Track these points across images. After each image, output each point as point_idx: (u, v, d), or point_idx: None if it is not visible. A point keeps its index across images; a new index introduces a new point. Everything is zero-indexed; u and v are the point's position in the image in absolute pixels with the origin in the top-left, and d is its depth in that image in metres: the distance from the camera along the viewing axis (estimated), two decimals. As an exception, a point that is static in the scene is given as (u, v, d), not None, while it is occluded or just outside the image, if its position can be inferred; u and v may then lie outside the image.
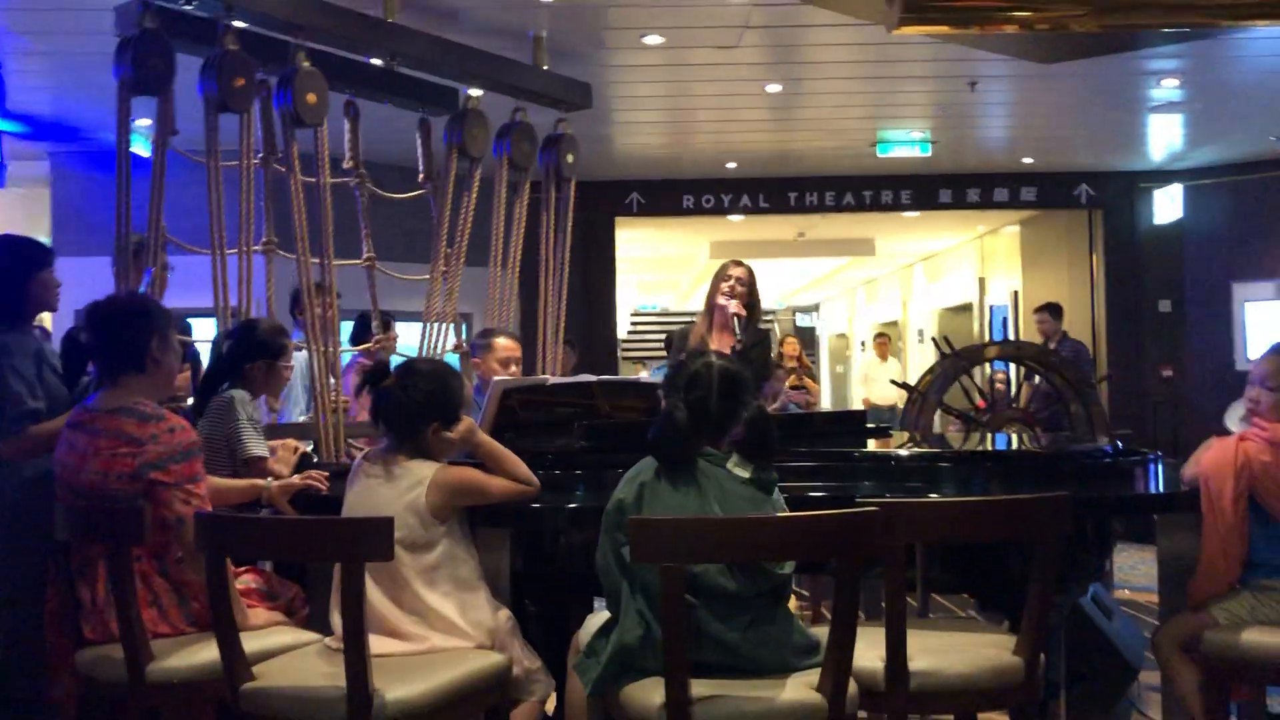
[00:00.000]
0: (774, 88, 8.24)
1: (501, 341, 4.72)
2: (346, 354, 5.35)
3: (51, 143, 8.98)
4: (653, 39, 6.95)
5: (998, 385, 9.24)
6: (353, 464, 2.89)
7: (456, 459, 2.88)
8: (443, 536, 2.72)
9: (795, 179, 11.35)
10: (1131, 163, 11.12)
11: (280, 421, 4.82)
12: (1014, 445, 4.69)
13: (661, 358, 8.68)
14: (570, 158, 5.88)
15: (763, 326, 4.90)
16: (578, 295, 7.51)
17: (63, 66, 7.28)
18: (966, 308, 15.22)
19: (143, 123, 5.07)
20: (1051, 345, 8.72)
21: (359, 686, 2.32)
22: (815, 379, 10.02)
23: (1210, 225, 11.10)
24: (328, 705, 2.35)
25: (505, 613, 2.79)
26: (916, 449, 4.04)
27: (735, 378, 2.57)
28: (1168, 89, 8.33)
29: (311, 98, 4.29)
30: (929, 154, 9.96)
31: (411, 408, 2.78)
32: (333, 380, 4.33)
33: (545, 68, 6.24)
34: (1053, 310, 9.39)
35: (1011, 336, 12.61)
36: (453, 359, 5.20)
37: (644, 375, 9.98)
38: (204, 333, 4.94)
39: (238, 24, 4.19)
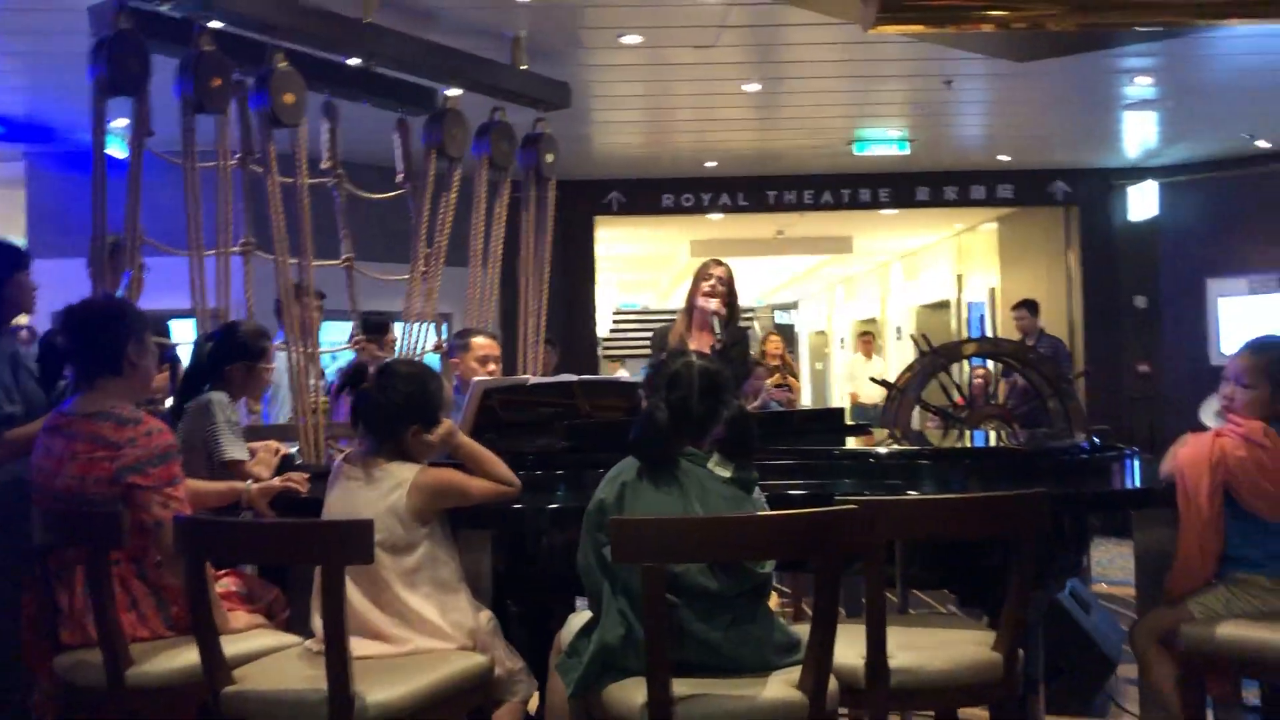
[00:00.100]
0: (752, 87, 8.26)
1: (479, 340, 4.71)
2: (342, 355, 5.33)
3: (27, 143, 8.91)
4: (631, 38, 6.95)
5: (977, 382, 9.29)
6: (332, 466, 2.88)
7: (437, 460, 2.88)
8: (423, 538, 2.71)
9: (774, 177, 11.38)
10: (1107, 160, 11.20)
11: (267, 423, 4.81)
12: (992, 442, 4.72)
13: (645, 356, 8.69)
14: (549, 157, 5.89)
15: (741, 325, 4.91)
16: (558, 294, 7.50)
17: (38, 67, 7.23)
18: (944, 305, 15.29)
19: (120, 123, 5.04)
20: (1029, 342, 8.77)
21: (340, 689, 2.31)
22: (797, 377, 10.06)
23: (1185, 222, 11.19)
24: (309, 708, 2.35)
25: (487, 614, 2.78)
26: (895, 446, 4.06)
27: (716, 377, 2.58)
28: (1142, 87, 8.39)
29: (289, 98, 4.28)
30: (907, 152, 10.01)
31: (391, 410, 2.78)
32: (314, 381, 4.31)
33: (524, 68, 6.24)
34: (1030, 307, 9.45)
35: (989, 333, 12.69)
36: (433, 359, 5.20)
37: (621, 374, 9.99)
38: (182, 334, 4.91)
39: (214, 24, 4.17)
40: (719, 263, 4.79)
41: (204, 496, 3.08)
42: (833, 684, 2.38)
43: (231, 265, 4.34)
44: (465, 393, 3.90)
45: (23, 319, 4.58)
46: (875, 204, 11.65)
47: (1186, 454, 3.06)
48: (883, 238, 15.22)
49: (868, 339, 13.40)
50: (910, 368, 7.75)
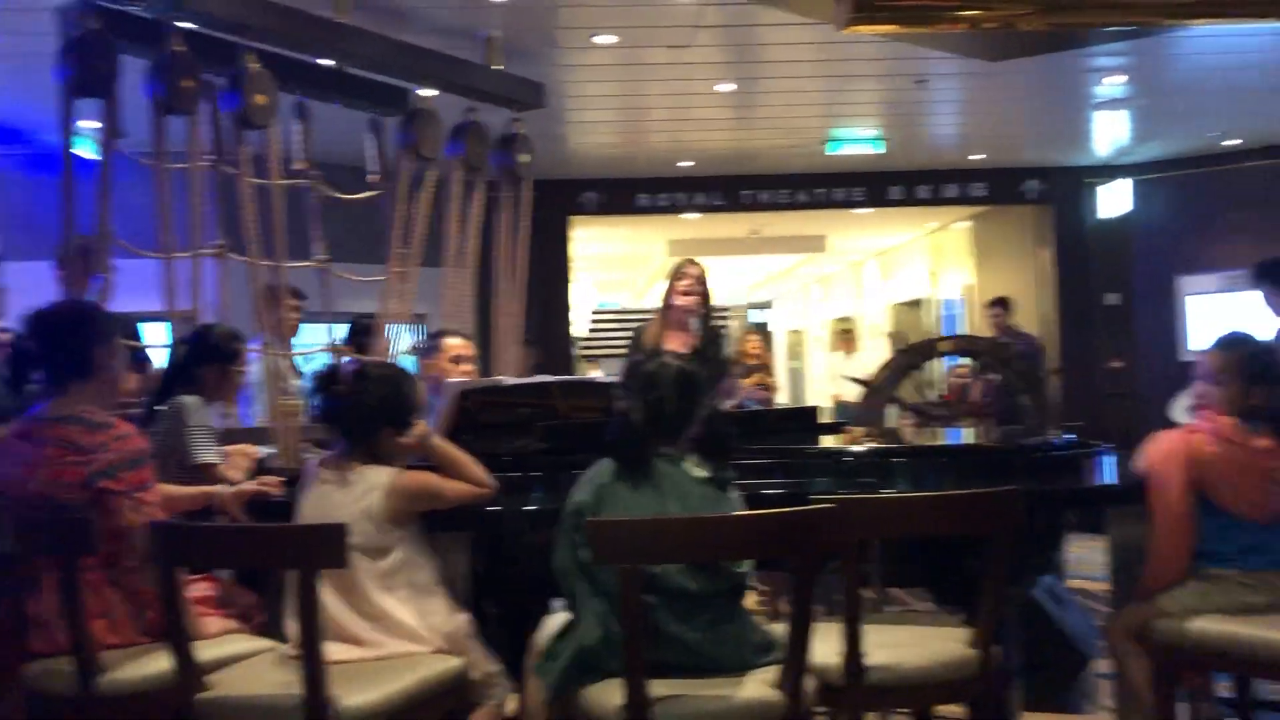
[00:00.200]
0: (727, 87, 8.26)
1: (452, 341, 4.68)
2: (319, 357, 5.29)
3: (-6, 145, 8.81)
4: (605, 38, 6.94)
5: (958, 379, 9.32)
6: (305, 469, 2.87)
7: (411, 463, 2.87)
8: (399, 542, 2.70)
9: (749, 177, 11.39)
10: (1079, 158, 11.28)
11: (248, 425, 4.77)
12: (966, 439, 4.74)
13: (624, 356, 8.69)
14: (524, 157, 5.88)
15: (717, 324, 4.91)
16: (534, 295, 7.49)
17: (4, 67, 7.15)
18: (919, 303, 15.37)
19: (90, 124, 4.99)
20: (1004, 339, 8.82)
21: (315, 694, 2.30)
22: (774, 375, 10.09)
23: (1156, 219, 11.28)
24: (283, 714, 2.33)
25: (463, 616, 2.77)
26: (870, 444, 4.08)
27: (691, 378, 2.58)
28: (1113, 85, 8.46)
29: (261, 99, 4.25)
30: (881, 151, 10.04)
31: (364, 412, 2.76)
32: (292, 383, 4.29)
33: (498, 68, 6.22)
34: (1005, 304, 9.51)
35: (964, 331, 12.75)
36: (410, 361, 5.17)
37: (596, 374, 9.98)
38: (154, 337, 4.87)
39: (184, 25, 4.14)
40: (693, 262, 4.80)
41: (177, 501, 3.06)
42: (810, 683, 2.38)
43: (204, 268, 4.31)
44: (439, 394, 3.89)
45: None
46: (850, 203, 11.68)
47: (1159, 451, 3.09)
48: (857, 236, 15.27)
49: (848, 336, 13.43)
50: (885, 365, 7.79)
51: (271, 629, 2.96)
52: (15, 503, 2.75)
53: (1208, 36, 7.13)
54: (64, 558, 2.59)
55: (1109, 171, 11.41)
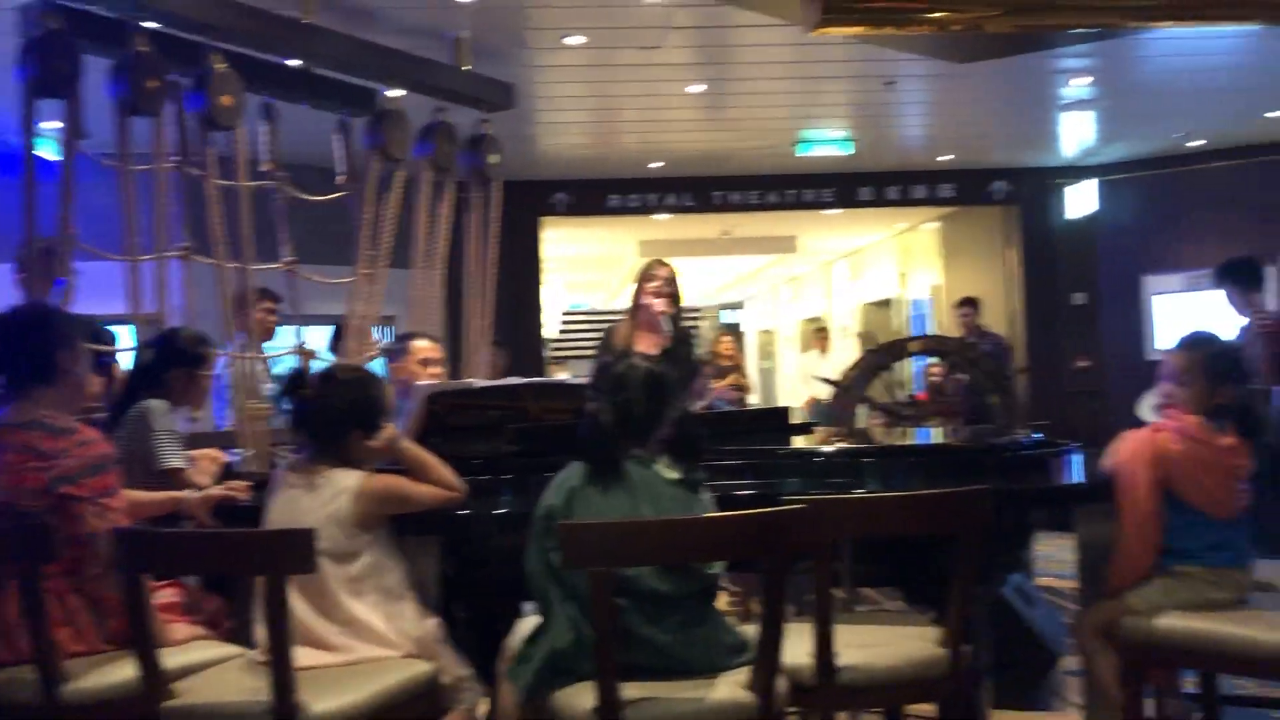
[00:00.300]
0: (697, 88, 8.27)
1: (420, 343, 4.65)
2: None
3: (-46, 146, 8.68)
4: (575, 39, 6.93)
5: (934, 378, 9.36)
6: (273, 474, 2.84)
7: (380, 466, 2.85)
8: (367, 546, 2.68)
9: (720, 178, 11.41)
10: (1046, 159, 11.38)
11: (222, 427, 4.74)
12: (936, 439, 4.77)
13: (594, 357, 8.68)
14: (494, 158, 5.86)
15: (688, 325, 4.91)
16: (505, 296, 7.46)
17: (-35, 67, 7.04)
18: (888, 303, 15.45)
19: (53, 125, 4.94)
20: (972, 339, 8.88)
21: (284, 700, 2.28)
22: (748, 376, 10.12)
23: (1121, 220, 11.39)
24: (252, 720, 2.31)
25: (433, 621, 2.75)
26: (840, 445, 4.09)
27: (660, 379, 2.58)
28: (1079, 87, 8.54)
29: (227, 100, 4.22)
30: (850, 153, 10.09)
31: (332, 415, 2.74)
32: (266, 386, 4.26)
33: (467, 68, 6.20)
34: (974, 304, 9.57)
35: (932, 330, 12.83)
36: (379, 363, 5.14)
37: (561, 377, 9.95)
38: (120, 340, 4.80)
39: (148, 25, 4.10)
40: (663, 263, 4.79)
41: (143, 507, 3.02)
42: (782, 684, 2.38)
43: (170, 270, 4.27)
44: (407, 397, 3.86)
45: None
46: (819, 204, 11.74)
47: (1126, 450, 3.12)
48: (827, 237, 15.33)
49: (822, 335, 13.48)
50: (855, 365, 7.82)
51: (239, 635, 2.93)
52: (-24, 509, 2.71)
53: (1172, 39, 7.22)
54: (26, 565, 2.55)
55: (1075, 172, 11.52)
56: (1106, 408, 10.84)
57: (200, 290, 4.33)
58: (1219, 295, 5.62)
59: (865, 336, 7.82)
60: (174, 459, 3.25)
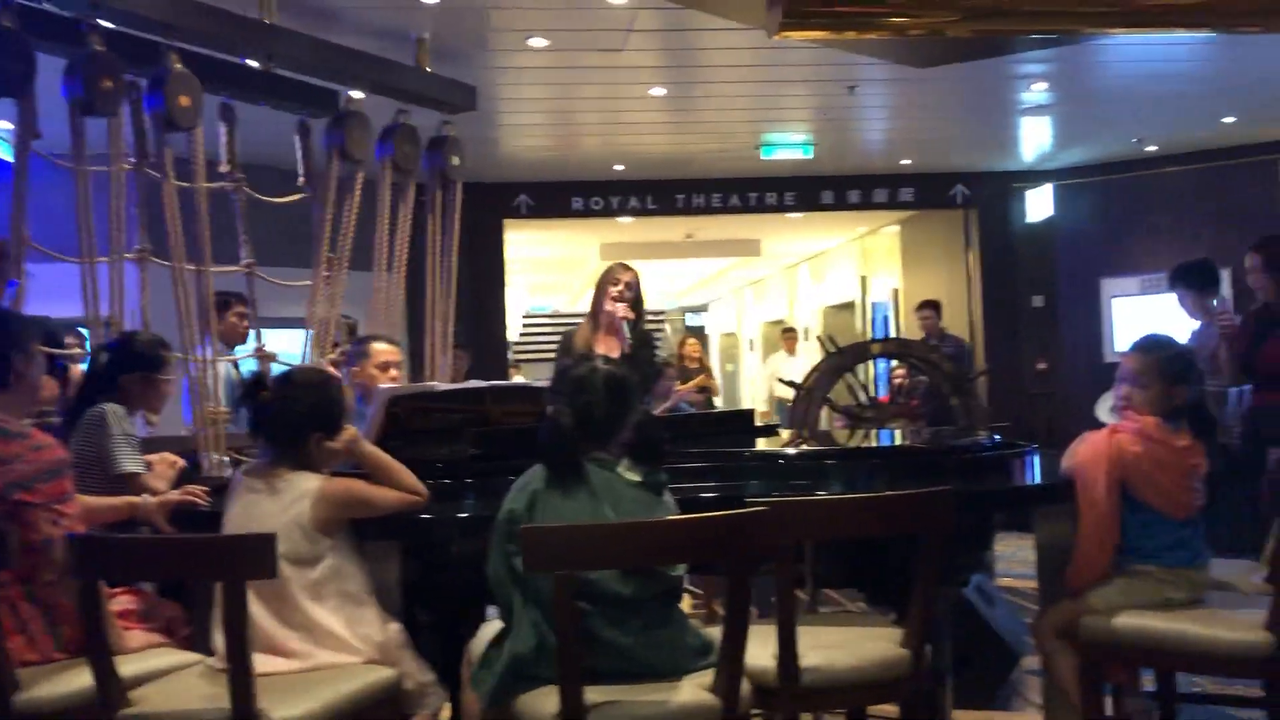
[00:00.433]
0: (660, 91, 8.29)
1: (379, 346, 4.60)
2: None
3: (-95, 146, 8.52)
4: (537, 41, 6.92)
5: (900, 379, 9.41)
6: (232, 478, 2.81)
7: (341, 470, 2.82)
8: (328, 550, 2.65)
9: (683, 181, 11.44)
10: (1005, 163, 11.50)
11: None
12: (897, 441, 4.79)
13: (554, 360, 8.66)
14: (455, 160, 5.83)
15: (648, 327, 4.90)
16: (467, 299, 7.43)
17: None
18: (849, 306, 15.54)
19: (5, 125, 4.86)
20: (934, 341, 8.94)
21: (243, 708, 2.25)
22: (714, 378, 10.14)
23: (1079, 223, 11.55)
24: (210, 728, 2.28)
25: (395, 626, 2.73)
26: (804, 447, 4.11)
27: (621, 382, 2.57)
28: (1037, 92, 8.64)
29: (184, 100, 4.17)
30: (811, 156, 10.14)
31: (292, 418, 2.71)
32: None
33: (428, 70, 6.16)
34: (935, 307, 9.64)
35: (892, 333, 12.92)
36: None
37: (518, 379, 9.91)
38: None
39: (104, 24, 4.04)
40: (626, 267, 4.77)
41: (99, 512, 2.98)
42: (745, 686, 2.39)
43: (126, 273, 4.21)
44: (366, 401, 3.83)
45: None
46: (781, 207, 11.79)
47: (1085, 451, 3.15)
48: (789, 240, 15.41)
49: (791, 336, 13.53)
50: (816, 368, 7.84)
51: (197, 642, 2.89)
52: (-74, 516, 2.66)
53: (1128, 45, 7.32)
54: (-23, 573, 2.50)
55: (1033, 177, 11.66)
56: (1064, 409, 10.96)
57: (158, 293, 4.27)
58: (1173, 298, 5.68)
59: (824, 340, 7.87)
60: (131, 463, 3.21)
